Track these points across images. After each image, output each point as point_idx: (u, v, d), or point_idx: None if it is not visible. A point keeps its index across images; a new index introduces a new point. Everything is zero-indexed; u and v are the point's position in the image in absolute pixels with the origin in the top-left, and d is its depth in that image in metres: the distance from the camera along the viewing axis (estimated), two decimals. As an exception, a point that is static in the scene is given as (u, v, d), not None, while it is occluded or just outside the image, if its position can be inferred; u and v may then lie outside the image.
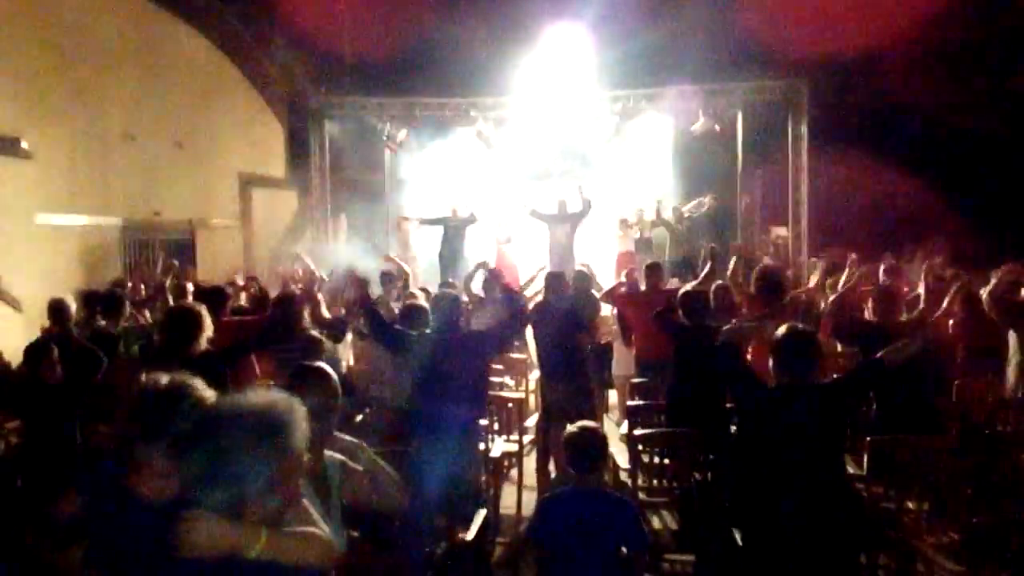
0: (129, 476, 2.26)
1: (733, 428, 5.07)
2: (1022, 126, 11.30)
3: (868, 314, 5.96)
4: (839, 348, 6.75)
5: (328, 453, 2.97)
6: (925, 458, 4.71)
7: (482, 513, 4.44)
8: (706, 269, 7.35)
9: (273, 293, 7.35)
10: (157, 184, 11.18)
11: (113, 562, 2.22)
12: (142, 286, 8.21)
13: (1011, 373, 5.75)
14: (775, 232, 13.74)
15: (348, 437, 3.25)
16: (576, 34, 13.07)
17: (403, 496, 3.27)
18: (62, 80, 9.43)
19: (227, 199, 13.29)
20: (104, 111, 10.16)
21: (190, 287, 7.63)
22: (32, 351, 4.97)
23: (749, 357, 5.58)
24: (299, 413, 1.98)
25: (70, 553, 2.33)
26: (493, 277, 9.05)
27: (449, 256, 12.50)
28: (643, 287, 7.70)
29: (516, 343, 7.75)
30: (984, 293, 5.85)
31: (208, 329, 4.41)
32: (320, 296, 7.19)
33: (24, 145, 8.57)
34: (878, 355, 3.83)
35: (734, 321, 5.34)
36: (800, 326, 3.79)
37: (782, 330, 3.71)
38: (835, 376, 4.04)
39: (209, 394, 2.28)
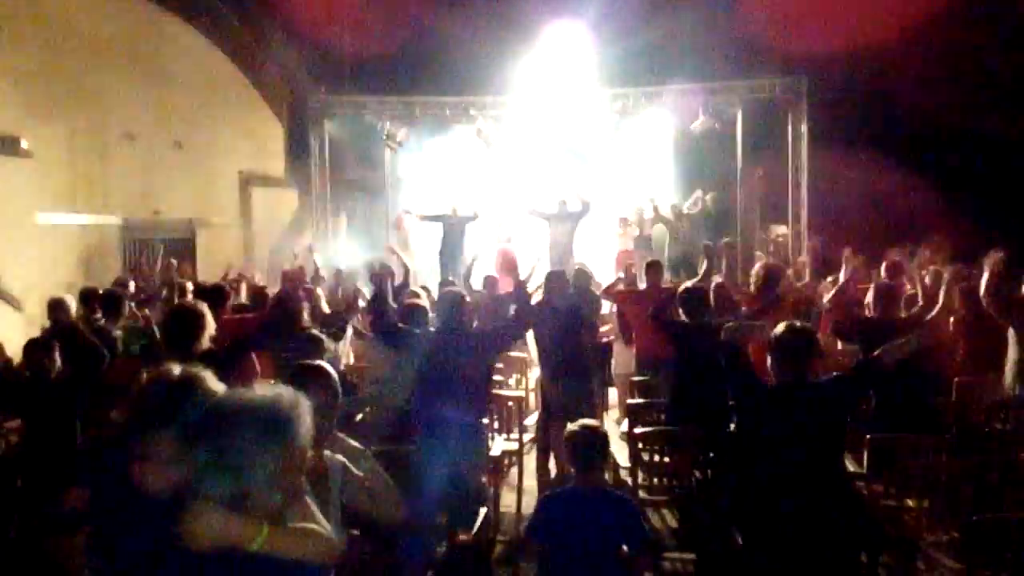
0: (134, 467, 2.27)
1: (733, 426, 5.07)
2: (1023, 125, 11.30)
3: (869, 311, 5.96)
4: (840, 346, 6.74)
5: (328, 453, 2.97)
6: (925, 457, 4.71)
7: (482, 512, 4.44)
8: (703, 267, 7.35)
9: (271, 290, 7.36)
10: (157, 183, 11.18)
11: (116, 552, 2.23)
12: (142, 285, 8.21)
13: (1009, 371, 5.74)
14: (775, 230, 13.73)
15: (353, 442, 3.25)
16: (576, 32, 13.06)
17: (400, 509, 3.27)
18: (62, 80, 9.43)
19: (227, 198, 13.30)
20: (104, 111, 10.17)
21: (190, 286, 7.64)
22: (33, 346, 4.98)
23: (750, 355, 5.59)
24: (303, 408, 1.99)
25: (73, 543, 2.34)
26: (492, 283, 9.09)
27: (449, 255, 12.49)
28: (643, 285, 7.70)
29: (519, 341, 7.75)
30: (981, 290, 5.83)
31: (210, 327, 4.41)
32: (320, 292, 7.21)
33: (24, 144, 8.57)
34: (876, 353, 3.83)
35: (734, 320, 5.34)
36: (798, 324, 3.80)
37: (780, 328, 3.71)
38: (834, 374, 4.03)
39: (219, 387, 2.30)
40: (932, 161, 11.52)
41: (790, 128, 12.79)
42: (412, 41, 13.06)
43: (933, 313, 5.77)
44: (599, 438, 3.57)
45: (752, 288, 6.57)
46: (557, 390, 6.20)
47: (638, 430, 5.61)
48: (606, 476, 4.70)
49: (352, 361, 7.26)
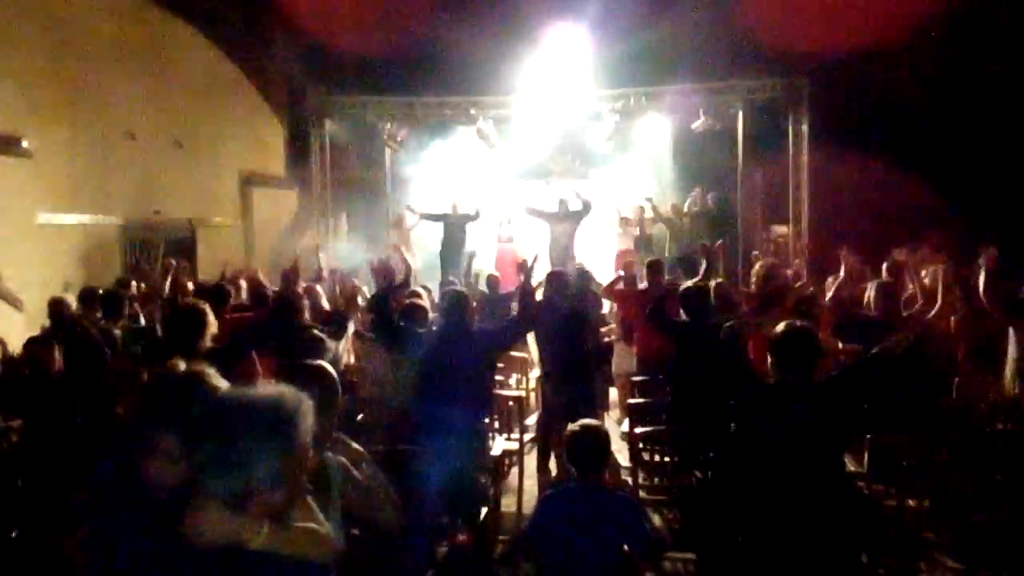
0: (138, 462, 2.28)
1: (733, 426, 5.06)
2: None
3: (869, 310, 5.96)
4: (841, 346, 6.75)
5: (330, 455, 2.98)
6: (925, 457, 4.71)
7: (483, 512, 4.44)
8: (703, 267, 7.36)
9: (272, 290, 7.36)
10: (157, 183, 11.18)
11: (117, 549, 2.24)
12: (142, 285, 8.20)
13: (1009, 370, 5.75)
14: (776, 230, 13.72)
15: (355, 445, 3.26)
16: (576, 33, 13.05)
17: (398, 516, 3.27)
18: (62, 80, 9.43)
19: (227, 198, 13.29)
20: (104, 110, 10.16)
21: (190, 286, 7.64)
22: (33, 345, 4.98)
23: (750, 355, 5.59)
24: (307, 407, 2.00)
25: (74, 541, 2.35)
26: (494, 282, 9.10)
27: (449, 254, 12.49)
28: (644, 284, 7.70)
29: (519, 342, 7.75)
30: (980, 290, 5.83)
31: (213, 327, 4.41)
32: (321, 291, 7.21)
33: (24, 144, 8.57)
34: (873, 351, 3.84)
35: (734, 320, 5.34)
36: (799, 323, 3.80)
37: (781, 327, 3.71)
38: (833, 373, 4.03)
39: (222, 384, 2.32)
40: (933, 161, 11.50)
41: (791, 128, 12.80)
42: (413, 41, 13.05)
43: (933, 312, 5.78)
44: (600, 438, 3.57)
45: (753, 288, 6.58)
46: (558, 390, 6.20)
47: (638, 430, 5.62)
48: (606, 476, 4.70)
49: (352, 361, 7.26)
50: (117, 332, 6.22)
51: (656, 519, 5.82)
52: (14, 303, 7.25)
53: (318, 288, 7.64)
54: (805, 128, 12.64)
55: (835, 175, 12.35)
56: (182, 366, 2.36)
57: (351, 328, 6.85)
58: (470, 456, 4.74)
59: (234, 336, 4.98)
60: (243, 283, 8.36)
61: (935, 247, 9.09)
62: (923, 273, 6.67)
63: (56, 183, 9.28)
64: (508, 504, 5.83)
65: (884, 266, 7.48)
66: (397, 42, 12.61)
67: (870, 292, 6.17)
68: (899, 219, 11.46)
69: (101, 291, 7.06)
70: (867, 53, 11.31)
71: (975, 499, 4.66)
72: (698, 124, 13.19)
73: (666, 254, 12.29)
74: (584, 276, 7.56)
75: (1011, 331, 5.76)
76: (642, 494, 5.43)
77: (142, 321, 6.99)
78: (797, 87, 12.65)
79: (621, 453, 5.71)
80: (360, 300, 7.35)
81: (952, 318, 6.27)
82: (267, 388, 2.03)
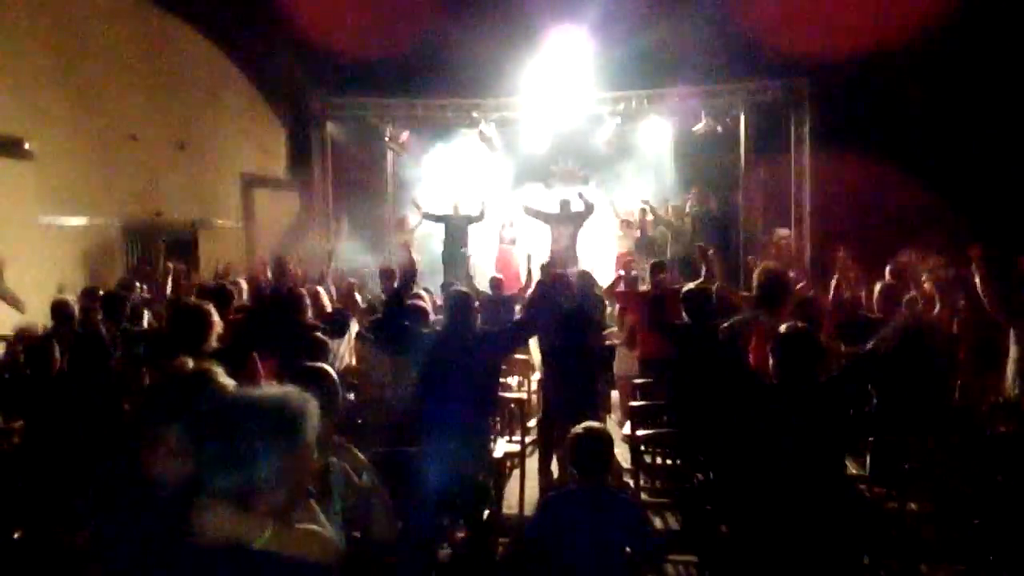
0: (144, 459, 2.29)
1: (734, 427, 5.06)
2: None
3: (872, 312, 5.96)
4: (843, 348, 6.74)
5: (334, 460, 3.00)
6: (927, 459, 4.70)
7: (485, 514, 4.44)
8: (703, 269, 7.36)
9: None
10: (159, 185, 11.19)
11: (120, 545, 2.25)
12: (144, 287, 8.22)
13: (1009, 371, 5.74)
14: (777, 233, 13.72)
15: (359, 453, 3.27)
16: (578, 35, 13.07)
17: (392, 530, 3.28)
18: (65, 81, 9.44)
19: (229, 200, 13.30)
20: (106, 112, 10.17)
21: (191, 287, 7.64)
22: (33, 345, 4.99)
23: (751, 355, 5.59)
24: (311, 407, 2.00)
25: (79, 539, 2.36)
26: (497, 284, 9.10)
27: (451, 255, 12.48)
28: (647, 286, 7.71)
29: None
30: (980, 291, 5.82)
31: (218, 326, 4.41)
32: (322, 291, 7.22)
33: (27, 146, 8.59)
34: (868, 346, 3.85)
35: (734, 319, 5.35)
36: (800, 324, 3.80)
37: (782, 329, 3.71)
38: (832, 374, 4.03)
39: (229, 382, 2.36)
40: (935, 163, 11.49)
41: (792, 130, 12.80)
42: (415, 43, 13.05)
43: (935, 313, 5.78)
44: (603, 441, 3.56)
45: (754, 290, 6.57)
46: (563, 393, 6.18)
47: (640, 432, 5.62)
48: (609, 478, 4.70)
49: (353, 362, 7.26)
50: (118, 333, 6.24)
51: (657, 521, 5.82)
52: (15, 304, 7.25)
53: (320, 289, 7.65)
54: (807, 130, 12.64)
55: (837, 177, 12.34)
56: (190, 364, 2.38)
57: (353, 329, 6.86)
58: (473, 457, 4.73)
59: (237, 336, 4.98)
60: (243, 284, 8.38)
61: (938, 250, 9.08)
62: (923, 277, 6.67)
63: (58, 185, 9.29)
64: (510, 506, 5.83)
65: (887, 268, 7.47)
66: (399, 44, 12.61)
67: (874, 294, 6.17)
68: (901, 220, 11.45)
69: (101, 292, 7.07)
70: (868, 55, 11.30)
71: (976, 501, 4.66)
72: (699, 126, 13.19)
73: (668, 256, 12.28)
74: (586, 278, 7.56)
75: (1012, 332, 5.76)
76: (643, 496, 5.42)
77: (145, 322, 7.01)
78: (798, 89, 12.65)
79: (622, 455, 5.71)
80: (358, 297, 7.37)
81: (954, 320, 6.26)
82: (272, 388, 2.03)
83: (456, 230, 12.83)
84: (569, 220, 12.38)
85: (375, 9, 12.21)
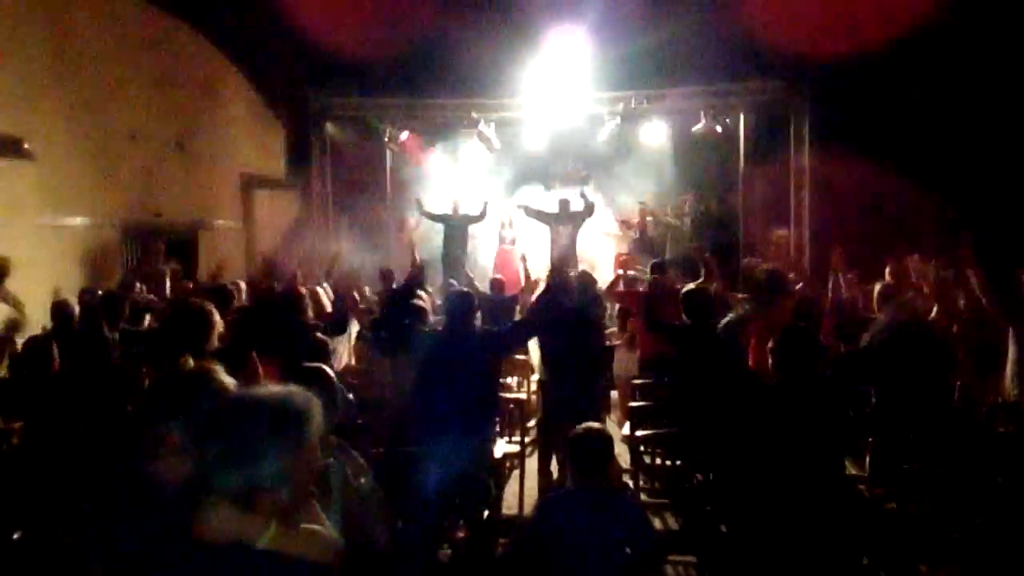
0: (146, 460, 2.29)
1: (733, 427, 5.07)
2: (1024, 127, 11.30)
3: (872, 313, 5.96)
4: (843, 348, 6.75)
5: (332, 460, 3.00)
6: (926, 459, 4.71)
7: (484, 514, 4.44)
8: (702, 270, 7.37)
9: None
10: (158, 185, 11.18)
11: (121, 545, 2.25)
12: (143, 287, 8.22)
13: (1008, 371, 5.75)
14: (777, 233, 13.73)
15: (359, 458, 3.27)
16: (577, 36, 13.07)
17: (386, 537, 3.28)
18: (64, 81, 9.43)
19: (229, 200, 13.30)
20: (106, 112, 10.17)
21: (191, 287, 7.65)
22: (32, 346, 4.98)
23: (751, 355, 5.60)
24: (316, 406, 2.00)
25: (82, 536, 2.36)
26: (498, 285, 9.11)
27: (450, 255, 12.48)
28: (646, 287, 7.72)
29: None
30: (979, 291, 5.82)
31: (219, 326, 4.41)
32: (321, 291, 7.23)
33: (25, 146, 8.58)
34: (862, 343, 3.86)
35: (731, 316, 5.36)
36: (799, 324, 3.81)
37: (782, 330, 3.72)
38: (826, 372, 4.03)
39: (230, 381, 2.37)
40: (935, 164, 11.50)
41: (792, 131, 12.80)
42: (414, 43, 13.04)
43: (934, 314, 5.78)
44: (604, 441, 3.56)
45: (753, 290, 6.58)
46: (563, 393, 6.17)
47: (639, 433, 5.62)
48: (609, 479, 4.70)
49: (353, 363, 7.26)
50: (117, 334, 6.24)
51: (657, 522, 5.82)
52: (15, 304, 7.25)
53: (319, 289, 7.67)
54: (806, 130, 12.64)
55: (837, 178, 12.35)
56: (191, 363, 2.39)
57: (353, 329, 6.87)
58: (473, 457, 4.72)
59: (236, 336, 4.98)
60: (242, 284, 8.39)
61: (938, 250, 9.07)
62: (922, 278, 6.68)
63: (57, 185, 9.29)
64: (509, 506, 5.83)
65: (887, 269, 7.48)
66: (398, 44, 12.60)
67: (874, 295, 6.17)
68: (901, 221, 11.47)
69: (100, 292, 7.07)
70: (869, 55, 11.30)
71: (976, 501, 4.66)
72: (699, 127, 13.19)
73: (667, 256, 12.29)
74: (587, 278, 7.56)
75: (1011, 332, 5.76)
76: (643, 496, 5.42)
77: (145, 323, 7.01)
78: (798, 89, 12.65)
79: (622, 456, 5.70)
80: (356, 296, 7.38)
81: (953, 320, 6.26)
82: (277, 387, 2.03)
83: (455, 230, 12.83)
84: (568, 220, 12.38)
85: (375, 9, 12.21)
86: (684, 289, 6.15)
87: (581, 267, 9.22)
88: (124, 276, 9.29)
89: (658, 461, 6.47)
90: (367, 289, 9.33)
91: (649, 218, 13.41)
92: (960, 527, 4.65)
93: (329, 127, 14.15)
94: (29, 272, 8.17)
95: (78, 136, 9.69)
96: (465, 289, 5.95)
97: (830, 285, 6.88)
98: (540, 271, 9.01)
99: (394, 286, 8.30)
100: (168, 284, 7.85)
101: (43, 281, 8.07)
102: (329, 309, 7.01)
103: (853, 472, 4.82)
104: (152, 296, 7.93)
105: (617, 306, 8.47)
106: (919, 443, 4.73)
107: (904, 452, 4.69)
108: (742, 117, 13.24)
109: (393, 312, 5.35)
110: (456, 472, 4.40)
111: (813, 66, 12.11)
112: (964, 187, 11.37)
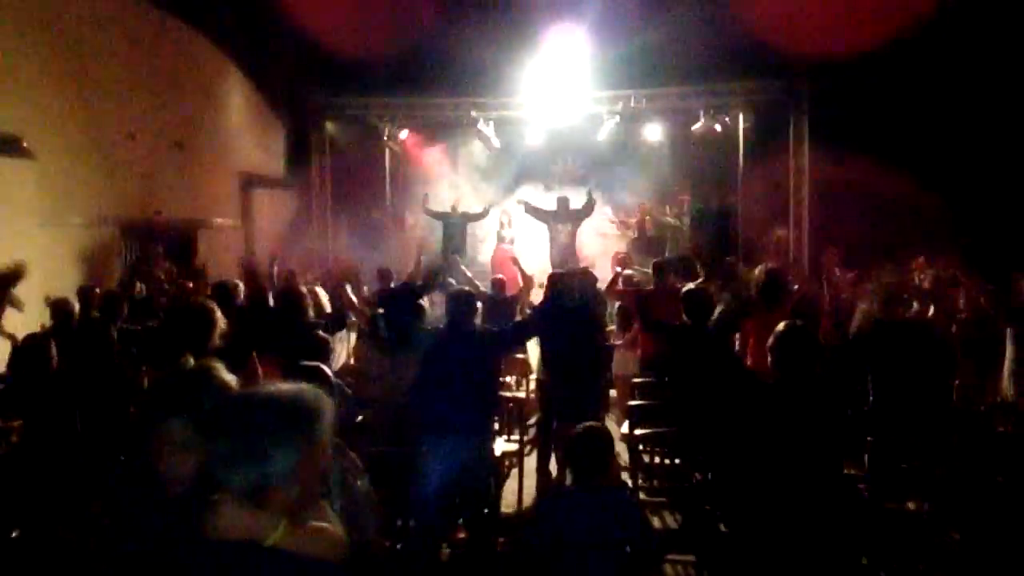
0: (151, 458, 2.29)
1: (731, 425, 5.07)
2: None
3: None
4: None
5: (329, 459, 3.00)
6: (925, 459, 4.71)
7: (484, 512, 4.44)
8: (701, 269, 7.37)
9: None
10: (158, 184, 11.18)
11: (131, 542, 2.25)
12: (143, 286, 8.23)
13: (1006, 370, 5.76)
14: (776, 233, 13.74)
15: (356, 459, 3.27)
16: (576, 35, 13.07)
17: (377, 539, 3.28)
18: (63, 80, 9.43)
19: (228, 199, 13.29)
20: (105, 111, 10.16)
21: (191, 286, 7.65)
22: (31, 344, 4.98)
23: (749, 354, 5.60)
24: (326, 404, 2.00)
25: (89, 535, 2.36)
26: (499, 284, 9.10)
27: (448, 254, 12.46)
28: (651, 286, 7.74)
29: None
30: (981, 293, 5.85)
31: (221, 324, 4.40)
32: (319, 290, 7.23)
33: (25, 145, 8.57)
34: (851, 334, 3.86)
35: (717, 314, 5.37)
36: (798, 322, 3.81)
37: (780, 328, 3.72)
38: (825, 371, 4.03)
39: (231, 378, 2.39)
40: (934, 163, 11.51)
41: (791, 130, 12.81)
42: (413, 43, 13.04)
43: (931, 313, 5.79)
44: (604, 440, 3.57)
45: (752, 291, 6.58)
46: (566, 392, 6.16)
47: (638, 431, 5.62)
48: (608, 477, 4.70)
49: (352, 362, 7.26)
50: (115, 333, 6.23)
51: (656, 521, 5.83)
52: (14, 303, 7.25)
53: (318, 289, 7.67)
54: (805, 130, 12.65)
55: (835, 177, 12.36)
56: (191, 361, 2.39)
57: (354, 334, 6.87)
58: (474, 457, 4.71)
59: (238, 335, 4.97)
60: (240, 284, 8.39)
61: (937, 250, 9.09)
62: (921, 277, 6.69)
63: (56, 183, 9.28)
64: (508, 505, 5.84)
65: (888, 268, 7.49)
66: (398, 43, 12.61)
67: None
68: (900, 220, 11.47)
69: (98, 291, 7.07)
70: (868, 54, 11.31)
71: (976, 501, 4.67)
72: (698, 126, 13.20)
73: (666, 256, 12.29)
74: (588, 276, 7.55)
75: (1008, 332, 5.78)
76: (642, 495, 5.43)
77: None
78: (798, 89, 12.66)
79: (620, 455, 5.71)
80: (353, 295, 7.38)
81: (952, 321, 6.28)
82: (287, 385, 2.04)
83: (454, 229, 12.84)
84: (567, 218, 12.38)
85: (374, 8, 12.21)
86: (684, 289, 6.15)
87: (581, 266, 9.23)
88: (124, 276, 9.29)
89: (657, 460, 6.48)
90: (365, 288, 9.34)
91: (648, 217, 13.40)
92: (960, 527, 4.66)
93: (329, 126, 14.15)
94: (28, 271, 8.17)
95: (77, 135, 9.68)
96: (466, 288, 5.94)
97: (826, 283, 6.89)
98: (535, 270, 9.01)
99: (392, 285, 8.30)
100: (164, 286, 7.84)
101: (42, 280, 8.07)
102: (328, 309, 7.01)
103: (852, 471, 4.82)
104: (149, 294, 7.93)
105: (617, 304, 8.46)
106: (918, 443, 4.72)
107: (903, 452, 4.69)
108: (741, 116, 13.25)
109: (392, 311, 5.34)
110: (457, 471, 4.39)
111: (812, 66, 12.12)
112: (963, 186, 11.39)
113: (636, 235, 13.58)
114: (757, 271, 6.69)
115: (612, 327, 8.58)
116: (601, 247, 13.69)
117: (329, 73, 13.71)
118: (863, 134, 11.80)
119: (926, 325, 5.72)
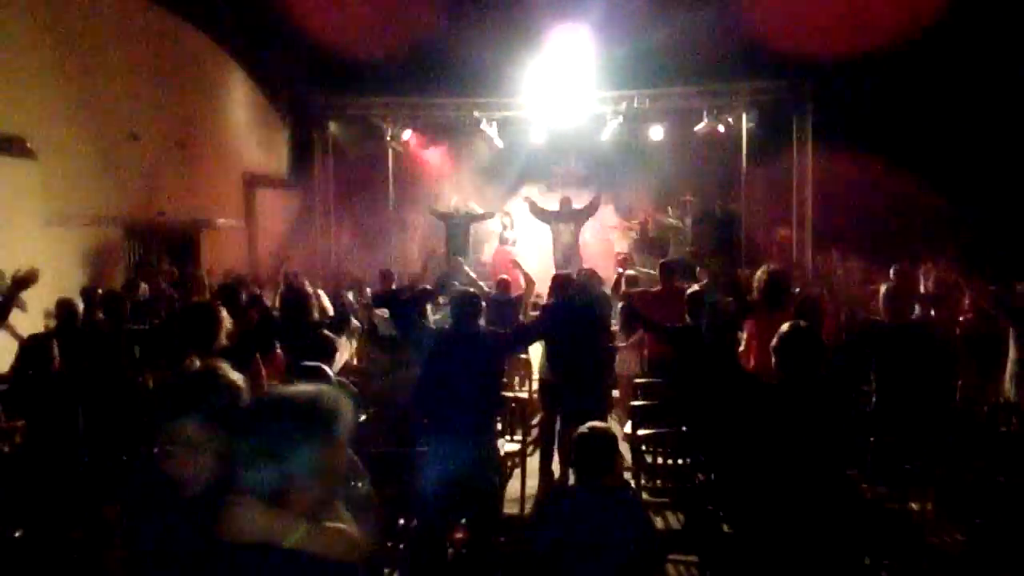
0: (160, 458, 2.30)
1: (732, 426, 5.07)
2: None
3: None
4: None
5: None
6: (927, 459, 4.71)
7: (487, 512, 4.44)
8: (704, 272, 7.37)
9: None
10: (161, 184, 11.20)
11: (150, 543, 2.26)
12: (147, 287, 8.24)
13: (1008, 371, 5.76)
14: (779, 233, 13.74)
15: (358, 462, 3.28)
16: (580, 35, 13.07)
17: (365, 549, 3.29)
18: (66, 80, 9.45)
19: (231, 199, 13.31)
20: (108, 111, 10.18)
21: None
22: (33, 344, 4.99)
23: (751, 355, 5.60)
24: (345, 405, 2.01)
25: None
26: (503, 285, 9.09)
27: (451, 254, 12.47)
28: (658, 287, 7.74)
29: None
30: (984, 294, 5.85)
31: (227, 324, 4.41)
32: (320, 291, 7.25)
33: (28, 145, 8.60)
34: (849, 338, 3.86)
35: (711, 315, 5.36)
36: (802, 323, 3.81)
37: (784, 328, 3.72)
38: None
39: (238, 377, 2.38)
40: (937, 163, 11.50)
41: (794, 130, 12.81)
42: (417, 43, 13.05)
43: (934, 314, 5.79)
44: (608, 440, 3.57)
45: (755, 291, 6.58)
46: (572, 392, 6.15)
47: (641, 432, 5.62)
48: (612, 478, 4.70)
49: (355, 362, 7.27)
50: (117, 333, 6.25)
51: (658, 521, 5.83)
52: (17, 303, 7.26)
53: (320, 291, 7.69)
54: (808, 130, 12.65)
55: (838, 177, 12.35)
56: (198, 362, 2.39)
57: (355, 330, 6.88)
58: (478, 457, 4.71)
59: (244, 335, 4.98)
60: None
61: (941, 251, 9.09)
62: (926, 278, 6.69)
63: (60, 184, 9.30)
64: (511, 505, 5.84)
65: (892, 269, 7.48)
66: (401, 43, 12.62)
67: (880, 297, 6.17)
68: (903, 220, 11.47)
69: (100, 291, 7.08)
70: (871, 55, 11.30)
71: (976, 502, 4.67)
72: (701, 126, 13.20)
73: (669, 257, 12.29)
74: (594, 278, 7.55)
75: (1011, 333, 5.78)
76: (644, 496, 5.43)
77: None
78: (801, 90, 12.66)
79: (623, 455, 5.71)
80: (350, 296, 7.39)
81: (954, 322, 6.28)
82: (306, 386, 2.05)
83: (457, 229, 12.84)
84: (570, 218, 12.39)
85: (377, 8, 12.23)
86: (688, 291, 6.15)
87: (585, 266, 9.22)
88: (129, 275, 9.30)
89: (660, 460, 6.48)
90: (367, 290, 9.35)
91: (650, 218, 13.40)
92: (961, 527, 4.66)
93: (332, 126, 14.17)
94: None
95: (80, 135, 9.70)
96: (471, 288, 5.94)
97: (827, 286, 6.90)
98: (536, 270, 9.00)
99: (393, 286, 8.31)
100: (167, 292, 7.85)
101: (45, 280, 8.08)
102: (331, 311, 7.02)
103: (855, 471, 4.82)
104: (153, 295, 7.94)
105: (620, 305, 8.46)
106: (920, 443, 4.72)
107: (905, 452, 4.69)
108: (744, 117, 13.25)
109: (396, 311, 5.34)
110: (460, 472, 4.39)
111: (815, 66, 12.11)
112: (967, 187, 11.37)
113: (638, 235, 13.58)
114: (759, 272, 6.69)
115: (615, 327, 8.57)
116: (602, 248, 13.70)
117: (332, 73, 13.72)
118: (866, 135, 11.80)
119: (928, 327, 5.72)
